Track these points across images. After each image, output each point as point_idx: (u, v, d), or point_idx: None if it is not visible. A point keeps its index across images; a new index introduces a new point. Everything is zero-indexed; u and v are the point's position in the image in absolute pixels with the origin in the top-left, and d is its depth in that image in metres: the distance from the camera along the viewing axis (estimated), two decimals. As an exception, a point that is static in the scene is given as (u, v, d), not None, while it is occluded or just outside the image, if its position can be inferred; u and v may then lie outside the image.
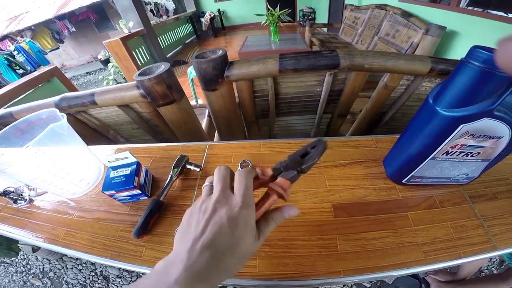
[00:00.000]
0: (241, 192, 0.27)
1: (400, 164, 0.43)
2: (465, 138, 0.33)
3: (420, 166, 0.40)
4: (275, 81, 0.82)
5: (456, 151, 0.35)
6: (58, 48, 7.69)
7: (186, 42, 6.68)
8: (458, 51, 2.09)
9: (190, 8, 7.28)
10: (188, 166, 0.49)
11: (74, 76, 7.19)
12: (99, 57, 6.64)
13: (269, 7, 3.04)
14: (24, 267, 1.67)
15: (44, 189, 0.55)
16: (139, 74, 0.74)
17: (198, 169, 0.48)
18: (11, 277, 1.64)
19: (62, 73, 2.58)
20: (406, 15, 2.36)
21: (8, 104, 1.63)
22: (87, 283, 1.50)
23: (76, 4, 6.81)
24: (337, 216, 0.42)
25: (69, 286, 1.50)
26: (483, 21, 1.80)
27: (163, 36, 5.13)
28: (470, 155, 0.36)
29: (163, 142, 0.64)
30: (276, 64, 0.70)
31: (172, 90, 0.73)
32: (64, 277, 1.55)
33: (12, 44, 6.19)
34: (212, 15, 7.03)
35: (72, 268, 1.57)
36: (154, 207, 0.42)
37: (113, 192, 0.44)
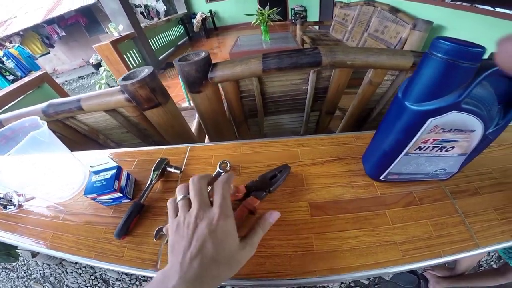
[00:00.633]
0: (219, 203, 0.30)
1: (376, 160, 0.43)
2: (436, 133, 0.32)
3: (394, 162, 0.39)
4: (261, 81, 0.82)
5: (429, 146, 0.34)
6: (48, 53, 7.62)
7: (178, 43, 6.65)
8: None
9: (181, 10, 7.26)
10: (168, 169, 0.50)
11: (66, 81, 7.13)
12: (90, 61, 6.58)
13: (259, 6, 3.05)
14: (25, 272, 1.70)
15: (32, 194, 0.57)
16: (123, 79, 0.74)
17: (178, 172, 0.49)
18: (13, 283, 1.67)
19: (52, 78, 2.55)
20: (394, 10, 2.38)
21: (1, 111, 1.62)
22: (87, 286, 1.52)
23: (65, 8, 6.75)
24: (313, 215, 0.42)
25: (70, 290, 1.52)
26: (470, 15, 1.82)
27: (154, 38, 5.10)
28: (444, 150, 0.35)
29: (153, 145, 0.65)
30: (260, 64, 0.71)
31: (156, 93, 0.73)
32: (64, 281, 1.57)
33: (1, 50, 6.09)
34: (204, 16, 7.00)
35: (72, 272, 1.59)
36: (134, 209, 0.43)
37: (94, 195, 0.45)
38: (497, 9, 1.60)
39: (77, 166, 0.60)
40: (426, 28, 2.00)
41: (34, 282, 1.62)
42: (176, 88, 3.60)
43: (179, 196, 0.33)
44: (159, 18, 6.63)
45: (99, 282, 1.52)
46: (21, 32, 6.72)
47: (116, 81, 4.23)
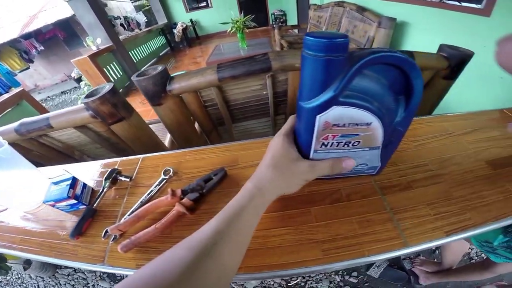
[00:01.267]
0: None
1: None
2: (331, 129, 0.31)
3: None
4: (221, 90, 0.87)
5: (333, 142, 0.34)
6: (28, 68, 7.46)
7: (160, 54, 6.66)
8: (412, 42, 2.20)
9: (162, 20, 7.26)
10: (119, 178, 0.55)
11: (49, 97, 7.01)
12: (72, 75, 6.47)
13: (239, 14, 3.11)
14: (20, 286, 1.73)
15: (5, 205, 0.62)
16: (86, 96, 0.77)
17: (128, 180, 0.54)
18: None
19: (30, 95, 2.52)
20: (361, 9, 2.47)
21: None
22: (80, 298, 1.54)
23: (41, 22, 6.65)
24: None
25: (64, 301, 1.54)
26: (433, 10, 1.86)
27: (135, 50, 5.10)
28: (351, 145, 0.34)
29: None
30: (215, 74, 0.75)
31: (118, 108, 0.76)
32: None
33: (-23, 66, 5.93)
34: (184, 25, 7.05)
35: (65, 284, 1.62)
36: (87, 213, 0.49)
37: (52, 202, 0.50)
38: (463, 4, 1.64)
39: (42, 179, 0.65)
40: (390, 25, 2.09)
41: (28, 295, 1.63)
42: (159, 98, 3.59)
43: None
44: (140, 29, 6.62)
45: (91, 293, 1.53)
46: (-3, 47, 6.57)
47: (98, 95, 4.18)
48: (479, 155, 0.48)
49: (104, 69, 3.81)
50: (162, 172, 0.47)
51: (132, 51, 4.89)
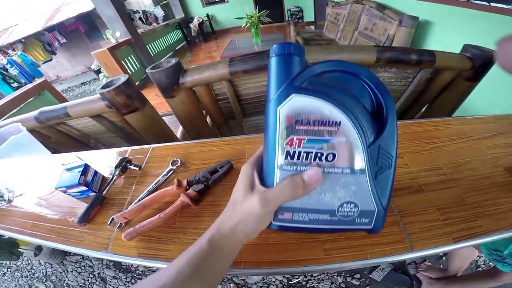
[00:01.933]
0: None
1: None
2: (295, 128, 0.27)
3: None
4: (233, 84, 0.87)
5: (300, 151, 0.28)
6: (51, 59, 7.78)
7: (177, 48, 6.75)
8: (434, 42, 2.11)
9: (179, 15, 7.35)
10: (129, 166, 0.56)
11: (69, 87, 7.29)
12: (92, 67, 6.71)
13: (254, 9, 3.10)
14: (28, 272, 1.79)
15: (21, 191, 0.65)
16: (102, 87, 0.79)
17: (137, 168, 0.56)
18: (17, 282, 1.77)
19: (52, 85, 2.64)
20: (381, 7, 2.39)
21: (3, 118, 1.70)
22: (86, 284, 1.59)
23: (64, 16, 6.90)
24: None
25: (70, 288, 1.60)
26: (459, 9, 1.79)
27: (152, 43, 5.19)
28: (324, 159, 0.28)
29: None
30: (226, 68, 0.75)
31: (132, 99, 0.78)
32: (65, 280, 1.65)
33: (4, 57, 6.25)
34: (201, 20, 7.09)
35: (72, 271, 1.67)
36: (95, 200, 0.50)
37: (64, 189, 0.52)
38: (492, 4, 1.57)
39: (56, 165, 0.67)
40: (412, 24, 2.02)
41: (36, 281, 1.70)
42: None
43: None
44: (158, 23, 6.73)
45: (97, 280, 1.59)
46: (23, 40, 6.89)
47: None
48: (499, 161, 0.45)
49: (122, 61, 3.92)
50: (170, 162, 0.47)
51: (149, 45, 4.98)
